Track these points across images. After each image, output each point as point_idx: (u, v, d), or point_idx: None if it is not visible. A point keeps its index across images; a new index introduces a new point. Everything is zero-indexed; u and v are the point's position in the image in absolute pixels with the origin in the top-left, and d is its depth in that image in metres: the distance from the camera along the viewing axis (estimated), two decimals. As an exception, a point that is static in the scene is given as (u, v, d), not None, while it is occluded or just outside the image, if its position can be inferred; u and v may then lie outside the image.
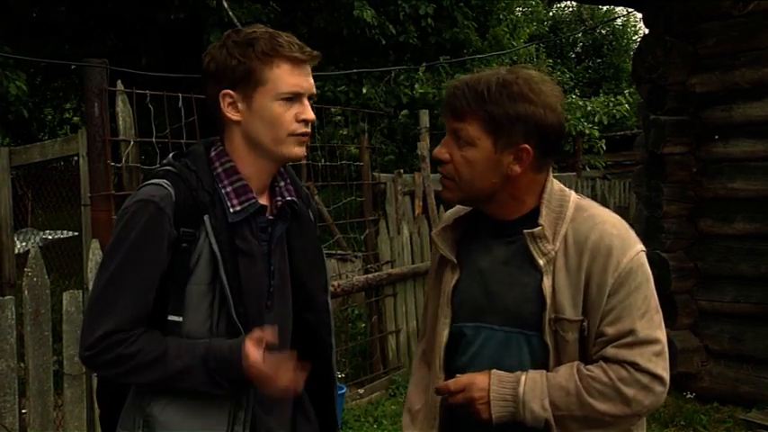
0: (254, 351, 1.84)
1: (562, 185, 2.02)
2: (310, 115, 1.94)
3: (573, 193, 2.01)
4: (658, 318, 1.93)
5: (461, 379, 1.92)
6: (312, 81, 1.96)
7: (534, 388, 1.87)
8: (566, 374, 1.88)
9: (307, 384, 2.01)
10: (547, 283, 1.89)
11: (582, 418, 1.87)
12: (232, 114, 1.92)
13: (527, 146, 1.89)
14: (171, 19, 11.05)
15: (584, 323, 1.89)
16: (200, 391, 1.87)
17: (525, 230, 1.92)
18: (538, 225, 1.92)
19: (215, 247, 1.86)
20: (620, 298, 1.87)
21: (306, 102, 1.94)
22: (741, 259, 5.75)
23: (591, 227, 1.91)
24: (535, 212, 1.95)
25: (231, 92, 1.91)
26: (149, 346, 1.83)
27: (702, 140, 6.00)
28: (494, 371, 1.91)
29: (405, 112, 12.12)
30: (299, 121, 1.92)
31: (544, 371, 1.90)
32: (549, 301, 1.89)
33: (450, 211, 2.14)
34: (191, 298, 1.87)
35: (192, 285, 1.87)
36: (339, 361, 6.46)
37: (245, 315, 1.90)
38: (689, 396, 5.92)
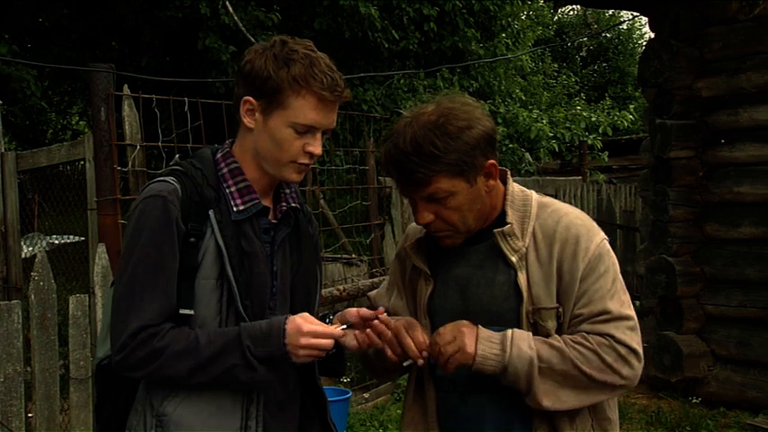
0: (298, 318, 1.86)
1: (522, 187, 2.11)
2: (318, 150, 1.94)
3: (534, 192, 2.10)
4: (626, 297, 2.01)
5: (450, 323, 1.96)
6: (334, 117, 1.97)
7: (522, 332, 1.93)
8: (550, 338, 1.95)
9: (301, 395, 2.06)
10: (522, 278, 1.97)
11: (560, 373, 1.90)
12: (247, 121, 1.94)
13: (491, 161, 1.98)
14: (169, 17, 11.05)
15: (560, 309, 1.96)
16: (230, 378, 1.85)
17: (496, 230, 1.99)
18: (506, 224, 1.99)
19: (220, 241, 1.89)
20: (590, 281, 1.95)
21: (318, 136, 1.94)
22: (748, 264, 5.74)
23: (557, 220, 2.00)
24: (502, 215, 2.04)
25: (253, 100, 1.92)
26: (179, 336, 1.84)
27: (709, 145, 6.00)
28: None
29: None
30: (305, 152, 1.93)
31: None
32: (525, 294, 1.96)
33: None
34: (200, 293, 1.89)
35: (201, 280, 1.88)
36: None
37: (252, 310, 1.92)
38: (695, 401, 5.90)
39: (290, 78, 1.87)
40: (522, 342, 1.91)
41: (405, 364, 1.97)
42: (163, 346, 1.82)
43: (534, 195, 2.08)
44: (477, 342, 1.91)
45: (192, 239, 1.88)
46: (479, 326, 1.94)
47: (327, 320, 2.04)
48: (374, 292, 2.35)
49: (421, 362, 1.95)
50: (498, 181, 2.04)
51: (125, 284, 1.87)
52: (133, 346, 1.82)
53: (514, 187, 2.08)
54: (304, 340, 1.84)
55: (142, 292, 1.84)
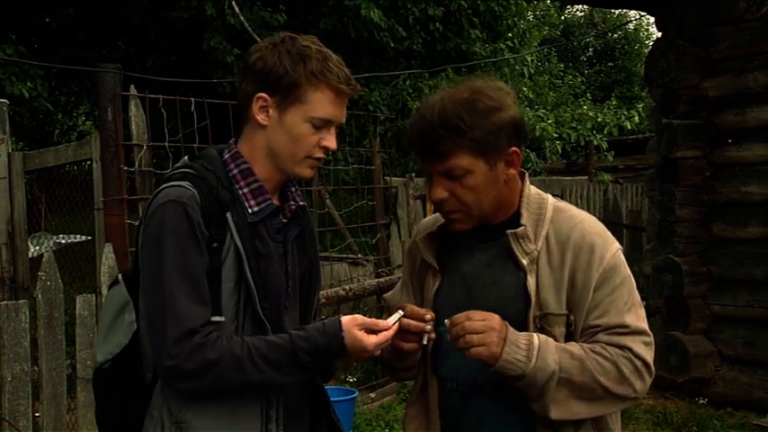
0: (356, 331, 1.86)
1: (539, 190, 2.08)
2: (333, 145, 1.94)
3: (550, 196, 2.08)
4: (642, 312, 2.00)
5: (480, 311, 1.92)
6: (345, 111, 1.97)
7: (547, 342, 1.90)
8: (570, 344, 1.93)
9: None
10: (531, 281, 1.94)
11: (578, 385, 1.89)
12: (261, 118, 1.92)
13: (515, 149, 1.96)
14: (175, 17, 11.07)
15: (571, 317, 1.94)
16: (283, 385, 1.89)
17: (508, 231, 1.97)
18: (520, 226, 1.97)
19: (239, 243, 1.87)
20: (605, 293, 1.93)
21: (333, 131, 1.95)
22: (755, 264, 5.72)
23: (571, 226, 1.98)
24: (516, 215, 2.01)
25: (267, 97, 1.90)
26: (231, 348, 1.81)
27: (715, 144, 5.98)
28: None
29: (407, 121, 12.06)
30: (320, 147, 1.94)
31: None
32: (533, 298, 1.94)
33: (431, 217, 2.16)
34: (222, 297, 1.87)
35: (222, 284, 1.87)
36: (350, 366, 6.47)
37: (270, 311, 1.91)
38: (702, 401, 5.89)
39: (308, 73, 1.87)
40: (548, 354, 1.87)
41: (424, 342, 1.96)
42: (215, 358, 1.79)
43: (550, 199, 2.06)
44: (505, 344, 1.87)
45: (215, 244, 1.86)
46: (508, 325, 1.90)
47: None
48: (389, 293, 2.33)
49: (429, 328, 1.94)
50: (517, 178, 2.02)
51: (159, 294, 1.81)
52: (184, 355, 1.78)
53: (531, 189, 2.05)
54: (371, 348, 1.86)
55: (179, 299, 1.79)
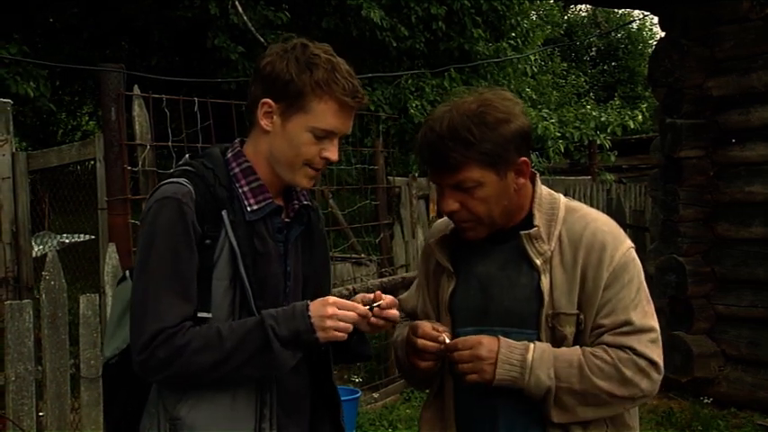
0: (320, 299, 1.85)
1: (550, 190, 2.10)
2: (334, 156, 1.94)
3: (562, 196, 2.09)
4: (650, 308, 2.00)
5: (470, 338, 1.96)
6: (351, 123, 1.97)
7: (542, 356, 1.92)
8: (570, 351, 1.94)
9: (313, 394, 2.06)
10: (545, 281, 1.96)
11: (580, 393, 1.91)
12: (265, 123, 1.93)
13: (524, 159, 1.98)
14: (178, 17, 11.07)
15: (581, 316, 1.95)
16: (256, 365, 1.83)
17: (522, 232, 1.99)
18: (533, 227, 1.99)
19: (233, 241, 1.87)
20: (614, 291, 1.95)
21: (335, 141, 1.94)
22: (758, 264, 5.71)
23: (584, 225, 2.00)
24: (529, 217, 2.03)
25: (272, 102, 1.91)
26: (200, 331, 1.82)
27: (719, 144, 5.97)
28: (501, 337, 1.95)
29: (411, 116, 12.05)
30: (321, 158, 1.93)
31: (549, 344, 1.95)
32: (546, 298, 1.96)
33: (445, 219, 2.16)
34: (213, 294, 1.87)
35: (215, 281, 1.87)
36: (354, 365, 6.47)
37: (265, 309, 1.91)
38: (706, 401, 5.89)
39: (313, 83, 1.87)
40: (542, 370, 1.90)
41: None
42: (185, 342, 1.80)
43: (562, 199, 2.07)
44: (497, 366, 1.91)
45: (208, 241, 1.87)
46: (500, 342, 1.93)
47: None
48: (404, 295, 2.34)
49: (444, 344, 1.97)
50: (528, 181, 2.03)
51: (143, 288, 1.85)
52: (152, 349, 1.80)
53: (543, 190, 2.07)
54: (331, 309, 1.83)
55: (161, 296, 1.82)
